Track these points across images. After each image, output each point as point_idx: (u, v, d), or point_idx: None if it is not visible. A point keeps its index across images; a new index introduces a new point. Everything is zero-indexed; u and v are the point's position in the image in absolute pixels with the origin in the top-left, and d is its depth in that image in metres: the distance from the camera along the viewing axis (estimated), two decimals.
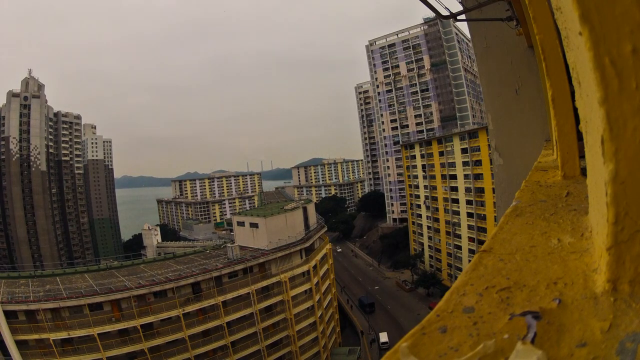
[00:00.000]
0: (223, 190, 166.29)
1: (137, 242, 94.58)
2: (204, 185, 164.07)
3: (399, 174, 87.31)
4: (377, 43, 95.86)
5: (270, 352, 39.29)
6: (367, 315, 56.33)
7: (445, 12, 4.26)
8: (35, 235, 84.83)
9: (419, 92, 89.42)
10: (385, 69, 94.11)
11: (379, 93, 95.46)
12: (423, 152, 68.34)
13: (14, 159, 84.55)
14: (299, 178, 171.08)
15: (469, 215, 57.72)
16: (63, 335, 30.83)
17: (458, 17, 4.42)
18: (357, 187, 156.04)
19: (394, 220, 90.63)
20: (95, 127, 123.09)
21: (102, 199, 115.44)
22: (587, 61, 0.49)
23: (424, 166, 68.39)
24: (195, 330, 35.03)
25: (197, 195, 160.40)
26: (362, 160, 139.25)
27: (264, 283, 39.43)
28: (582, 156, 1.13)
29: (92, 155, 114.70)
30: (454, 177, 60.61)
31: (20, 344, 30.23)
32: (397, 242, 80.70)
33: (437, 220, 65.99)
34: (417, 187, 71.51)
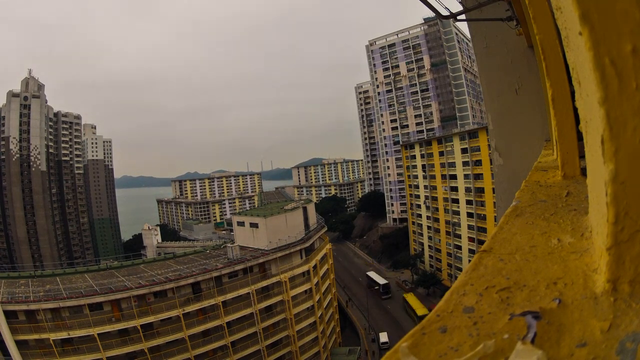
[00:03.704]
0: (223, 190, 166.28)
1: (137, 242, 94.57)
2: (204, 185, 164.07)
3: (399, 174, 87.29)
4: (377, 43, 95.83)
5: (270, 352, 39.28)
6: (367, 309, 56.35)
7: (445, 12, 4.26)
8: (35, 235, 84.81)
9: (419, 92, 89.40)
10: (385, 69, 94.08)
11: (379, 93, 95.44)
12: (423, 152, 68.33)
13: (14, 159, 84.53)
14: (299, 178, 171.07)
15: (469, 215, 57.71)
16: (63, 335, 30.83)
17: (458, 17, 4.43)
18: (357, 187, 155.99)
19: (394, 220, 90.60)
20: (95, 127, 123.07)
21: (102, 199, 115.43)
22: (587, 61, 0.49)
23: (424, 166, 68.38)
24: (195, 330, 35.03)
25: (197, 195, 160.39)
26: (362, 160, 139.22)
27: (264, 283, 39.43)
28: (582, 156, 1.13)
29: (92, 155, 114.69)
30: (454, 177, 60.60)
31: (20, 344, 30.22)
32: (397, 242, 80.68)
33: (437, 220, 65.98)
34: (417, 187, 71.49)
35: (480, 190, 55.35)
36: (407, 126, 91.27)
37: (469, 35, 6.48)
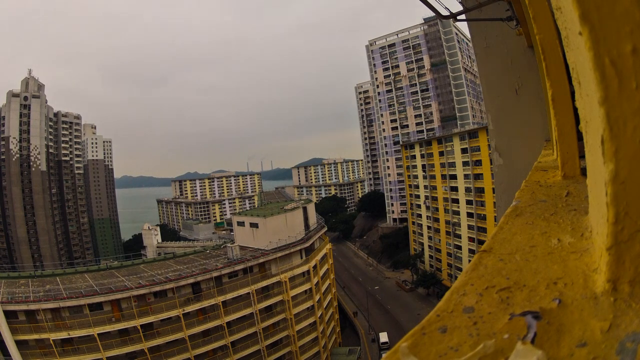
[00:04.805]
0: (223, 190, 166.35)
1: (137, 242, 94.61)
2: (204, 185, 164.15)
3: (399, 174, 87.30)
4: (377, 43, 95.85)
5: (270, 352, 39.29)
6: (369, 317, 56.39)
7: (445, 12, 4.26)
8: (35, 235, 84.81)
9: (419, 92, 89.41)
10: (385, 69, 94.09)
11: (379, 93, 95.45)
12: (423, 152, 68.33)
13: (14, 159, 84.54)
14: (299, 178, 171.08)
15: (469, 215, 57.70)
16: (63, 335, 30.83)
17: (458, 17, 4.42)
18: (357, 187, 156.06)
19: (394, 220, 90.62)
20: (95, 127, 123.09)
21: (102, 199, 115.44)
22: (587, 61, 0.49)
23: (424, 166, 68.37)
24: (195, 330, 35.04)
25: (197, 195, 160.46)
26: (362, 160, 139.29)
27: (264, 283, 39.43)
28: (582, 156, 1.13)
29: (92, 155, 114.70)
30: (454, 177, 60.60)
31: (20, 344, 30.22)
32: (397, 242, 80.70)
33: (437, 220, 65.98)
34: (417, 187, 71.49)
35: (480, 190, 55.34)
36: (407, 126, 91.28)
37: (469, 35, 6.49)
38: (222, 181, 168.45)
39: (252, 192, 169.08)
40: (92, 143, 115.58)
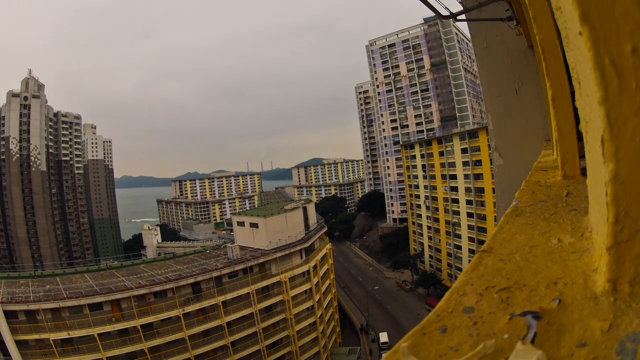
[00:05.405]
0: (223, 190, 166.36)
1: (137, 242, 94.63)
2: (204, 185, 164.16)
3: (399, 174, 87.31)
4: (377, 43, 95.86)
5: (270, 352, 39.29)
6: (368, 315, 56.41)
7: (445, 12, 4.26)
8: (35, 235, 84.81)
9: (419, 92, 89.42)
10: (385, 69, 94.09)
11: (379, 93, 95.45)
12: (423, 152, 68.34)
13: (14, 159, 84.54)
14: (299, 178, 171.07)
15: (469, 215, 57.71)
16: (63, 335, 30.84)
17: (458, 17, 4.42)
18: (357, 187, 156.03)
19: (394, 220, 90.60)
20: (95, 127, 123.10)
21: (102, 199, 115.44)
22: (587, 61, 0.49)
23: (424, 166, 68.38)
24: (195, 330, 35.04)
25: (197, 195, 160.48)
26: (362, 160, 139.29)
27: (264, 283, 39.43)
28: (582, 156, 1.13)
29: (92, 155, 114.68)
30: (454, 177, 60.61)
31: (20, 344, 30.23)
32: (397, 242, 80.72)
33: (437, 220, 65.99)
34: (417, 187, 71.50)
35: (480, 190, 55.35)
36: (407, 126, 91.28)
37: (469, 35, 6.49)
38: (222, 181, 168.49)
39: (252, 192, 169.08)
40: (92, 143, 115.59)
